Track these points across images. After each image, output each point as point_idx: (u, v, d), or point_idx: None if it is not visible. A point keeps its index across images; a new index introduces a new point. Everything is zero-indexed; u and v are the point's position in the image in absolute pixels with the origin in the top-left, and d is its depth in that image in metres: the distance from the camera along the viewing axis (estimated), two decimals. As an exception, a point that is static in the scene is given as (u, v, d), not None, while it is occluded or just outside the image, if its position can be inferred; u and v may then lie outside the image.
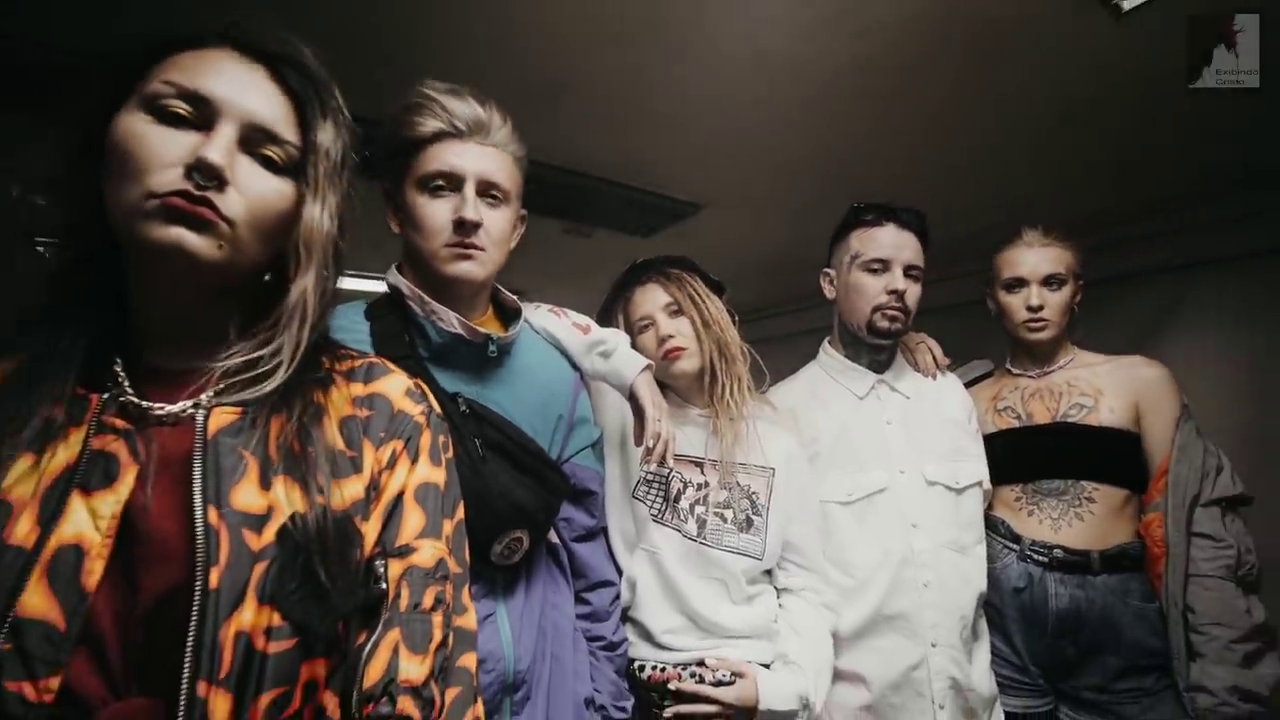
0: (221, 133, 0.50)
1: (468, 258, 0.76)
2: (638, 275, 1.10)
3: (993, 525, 1.29)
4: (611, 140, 1.59)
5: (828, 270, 1.25)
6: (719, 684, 0.92)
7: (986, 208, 1.93)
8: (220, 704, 0.43)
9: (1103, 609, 1.17)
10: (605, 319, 1.11)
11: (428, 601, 0.53)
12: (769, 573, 1.08)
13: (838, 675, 1.09)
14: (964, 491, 1.18)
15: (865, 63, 1.26)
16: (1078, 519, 1.22)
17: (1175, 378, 1.26)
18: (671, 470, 1.02)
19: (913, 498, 1.14)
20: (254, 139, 0.51)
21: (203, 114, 0.50)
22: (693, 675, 0.93)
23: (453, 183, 0.76)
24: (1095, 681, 1.18)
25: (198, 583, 0.44)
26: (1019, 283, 1.30)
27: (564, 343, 0.94)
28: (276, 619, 0.46)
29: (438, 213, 0.76)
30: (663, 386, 1.02)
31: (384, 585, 0.52)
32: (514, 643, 0.77)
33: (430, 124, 0.75)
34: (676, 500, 1.02)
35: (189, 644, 0.43)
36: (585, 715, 0.87)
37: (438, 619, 0.53)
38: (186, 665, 0.43)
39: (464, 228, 0.75)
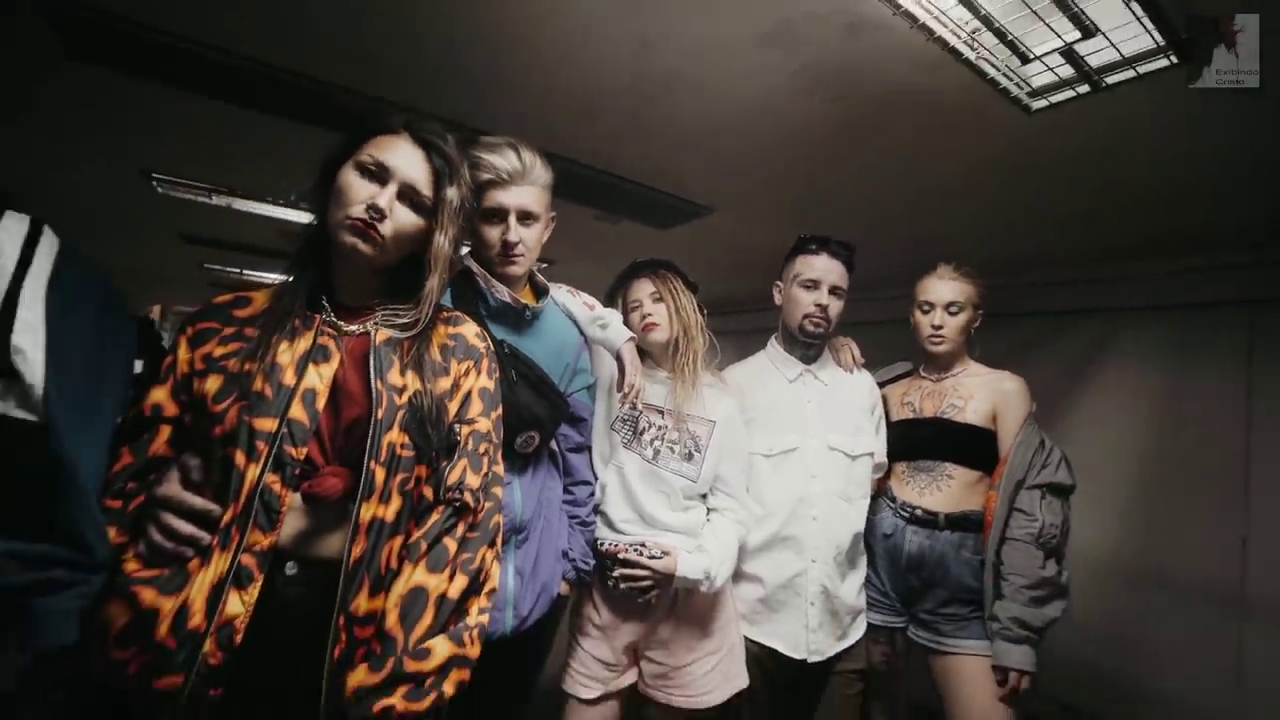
0: (389, 189, 0.91)
1: (512, 263, 1.19)
2: (635, 270, 1.52)
3: (883, 489, 1.71)
4: (638, 150, 1.97)
5: (778, 283, 1.65)
6: (652, 558, 1.36)
7: (929, 242, 2.30)
8: (379, 475, 0.87)
9: (940, 555, 1.59)
10: (610, 299, 1.53)
11: (481, 449, 0.97)
12: (704, 496, 1.51)
13: (743, 576, 1.54)
14: (857, 459, 1.60)
15: (840, 117, 1.63)
16: (938, 489, 1.63)
17: (1028, 390, 1.65)
18: (640, 412, 1.45)
19: (816, 458, 1.56)
20: (406, 192, 0.93)
21: (381, 175, 0.92)
22: (635, 550, 1.37)
23: (500, 214, 1.17)
24: (929, 607, 1.61)
25: (372, 416, 0.88)
26: (929, 305, 1.69)
27: (575, 315, 1.36)
28: (405, 439, 0.89)
29: (492, 235, 1.18)
30: (642, 354, 1.45)
31: (458, 437, 0.95)
32: (522, 503, 1.22)
33: (483, 175, 1.16)
34: (641, 434, 1.45)
35: (368, 444, 0.87)
36: (561, 562, 1.32)
37: (485, 459, 0.97)
38: (367, 454, 0.87)
39: (508, 246, 1.17)
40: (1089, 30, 1.23)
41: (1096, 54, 1.32)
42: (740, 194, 2.26)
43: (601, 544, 1.41)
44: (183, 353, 0.90)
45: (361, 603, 0.84)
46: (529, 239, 1.19)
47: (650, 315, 1.45)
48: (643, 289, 1.49)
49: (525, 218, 1.19)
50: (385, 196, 0.90)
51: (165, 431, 0.88)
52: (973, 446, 1.64)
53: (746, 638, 1.52)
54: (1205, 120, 1.52)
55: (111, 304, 0.84)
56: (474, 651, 0.90)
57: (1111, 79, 1.38)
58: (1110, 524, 2.44)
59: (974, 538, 1.60)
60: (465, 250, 1.26)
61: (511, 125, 1.71)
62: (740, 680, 1.47)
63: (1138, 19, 1.18)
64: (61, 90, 1.76)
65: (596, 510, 1.44)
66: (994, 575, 1.55)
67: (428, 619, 0.86)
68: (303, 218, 2.98)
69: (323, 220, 0.95)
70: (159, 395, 0.88)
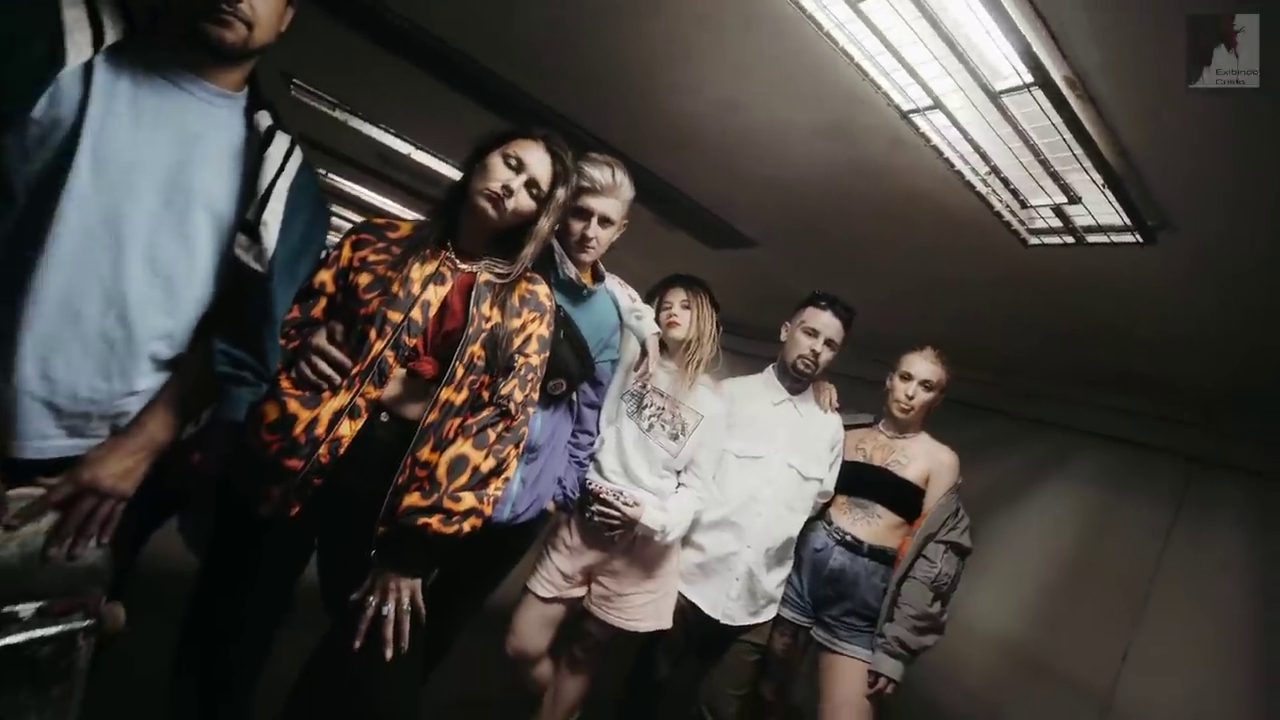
0: (521, 177, 1.27)
1: (584, 253, 1.54)
2: (675, 280, 1.87)
3: (822, 512, 2.05)
4: (709, 179, 2.31)
5: (787, 323, 2.00)
6: (625, 504, 1.71)
7: (925, 323, 2.62)
8: (459, 371, 1.21)
9: (856, 575, 1.92)
10: (649, 296, 1.88)
11: (529, 376, 1.31)
12: (678, 472, 1.86)
13: (690, 543, 1.89)
14: (807, 481, 1.94)
15: (875, 202, 1.96)
16: (868, 524, 1.96)
17: (958, 466, 1.98)
18: (647, 391, 1.80)
19: (774, 470, 1.90)
20: (530, 183, 1.28)
21: (518, 167, 1.27)
22: (615, 495, 1.72)
23: (586, 214, 1.52)
24: (835, 614, 1.94)
25: (465, 330, 1.24)
26: (909, 376, 2.02)
27: (619, 302, 1.71)
28: (481, 353, 1.24)
29: (575, 227, 1.52)
30: (663, 345, 1.80)
31: (515, 363, 1.31)
32: (540, 430, 1.57)
33: (583, 181, 1.49)
34: (643, 409, 1.80)
35: (457, 349, 1.22)
36: (555, 485, 1.67)
37: (530, 384, 1.31)
38: (455, 355, 1.22)
39: (585, 240, 1.52)
40: (1074, 198, 1.56)
41: (1081, 217, 1.64)
42: (782, 238, 2.61)
43: (590, 484, 1.75)
44: (346, 251, 1.26)
45: (424, 453, 1.20)
46: (602, 238, 1.54)
47: (675, 316, 1.81)
48: (676, 295, 1.84)
49: (604, 221, 1.53)
50: (517, 182, 1.25)
51: (324, 302, 1.24)
52: (905, 498, 1.97)
53: (679, 593, 1.87)
54: (1173, 290, 1.84)
55: (320, 204, 1.19)
56: (487, 510, 1.25)
57: (1091, 239, 1.70)
58: (1016, 609, 2.76)
59: (884, 569, 1.94)
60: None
61: (623, 135, 2.07)
62: (665, 621, 1.82)
63: (1109, 201, 1.50)
64: None
65: (592, 457, 1.79)
66: (891, 602, 1.88)
67: (464, 478, 1.22)
68: (401, 146, 3.40)
69: (463, 187, 1.32)
70: (324, 276, 1.25)
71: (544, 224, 1.31)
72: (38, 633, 0.94)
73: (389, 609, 1.17)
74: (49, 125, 0.84)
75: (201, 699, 1.30)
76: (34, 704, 0.97)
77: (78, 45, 0.84)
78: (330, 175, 5.08)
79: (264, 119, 1.04)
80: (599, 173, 1.50)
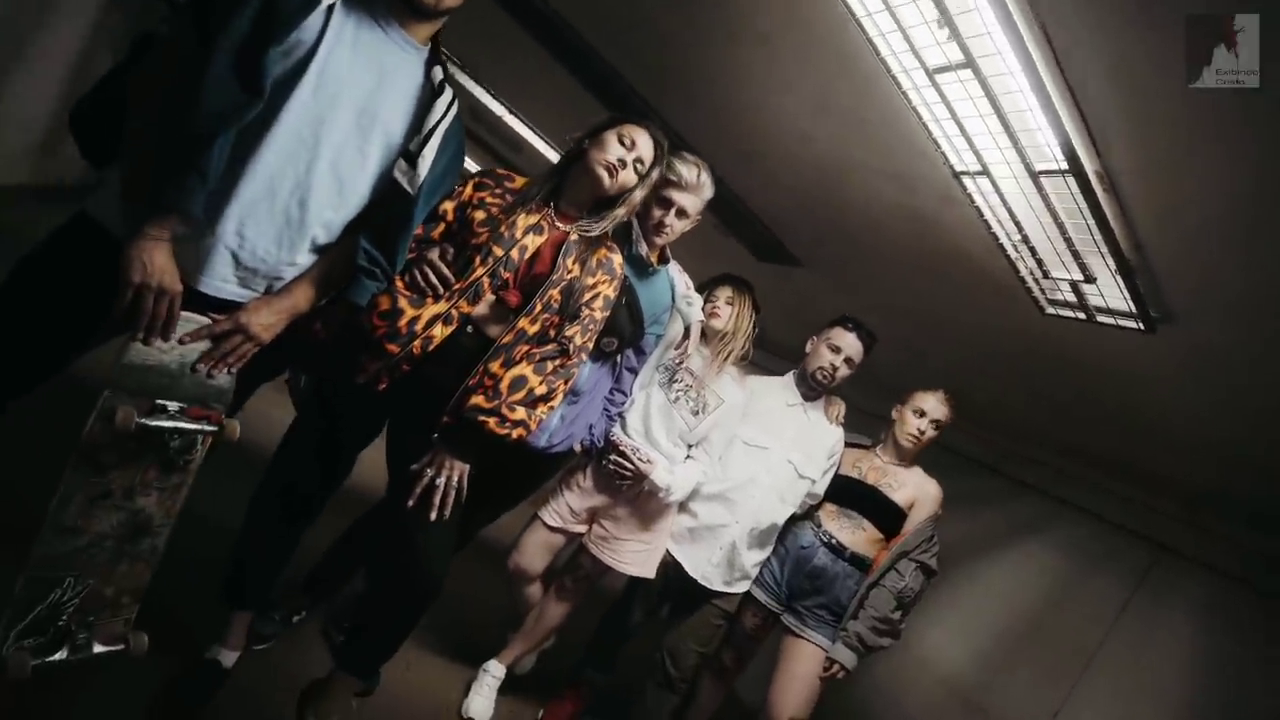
0: (630, 153, 1.50)
1: (659, 236, 1.77)
2: (725, 279, 2.10)
3: (811, 515, 2.26)
4: (771, 195, 2.55)
5: (813, 337, 2.21)
6: (640, 460, 1.94)
7: (941, 373, 2.81)
8: (538, 306, 1.44)
9: (834, 575, 2.13)
10: (702, 288, 2.11)
11: (590, 325, 1.54)
12: (690, 446, 2.09)
13: (686, 509, 2.11)
14: (801, 478, 2.15)
15: (918, 248, 2.17)
16: (852, 533, 2.17)
17: (942, 498, 2.19)
18: (681, 369, 2.03)
19: (774, 461, 2.12)
20: (638, 160, 1.52)
21: (630, 146, 1.50)
22: (632, 450, 1.95)
23: (668, 204, 1.74)
24: (806, 604, 2.16)
25: (550, 276, 1.47)
26: (921, 412, 2.22)
27: (676, 286, 1.94)
28: (558, 297, 1.47)
29: (656, 213, 1.74)
30: (703, 332, 2.02)
31: (583, 313, 1.54)
32: (587, 377, 1.81)
33: (670, 175, 1.72)
34: (674, 382, 2.03)
35: (540, 290, 1.45)
36: (586, 431, 1.91)
37: (590, 332, 1.54)
38: (538, 294, 1.45)
39: (661, 225, 1.74)
40: (1090, 278, 1.76)
41: (1094, 297, 1.84)
42: (825, 263, 2.82)
43: (613, 436, 1.99)
44: (469, 190, 1.51)
45: (495, 366, 1.44)
46: (676, 227, 1.77)
47: (718, 309, 2.03)
48: (723, 292, 2.07)
49: (681, 214, 1.76)
50: (630, 157, 1.48)
51: (443, 227, 1.49)
52: (889, 517, 2.18)
53: (668, 550, 2.10)
54: (1167, 381, 2.02)
55: (460, 150, 1.43)
56: (532, 426, 1.49)
57: (1100, 319, 1.89)
58: (968, 651, 2.95)
59: (860, 574, 2.15)
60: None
61: (701, 136, 2.30)
62: (650, 572, 2.05)
63: (1119, 287, 1.70)
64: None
65: (621, 415, 2.03)
66: (858, 603, 2.10)
67: (520, 395, 1.45)
68: (495, 107, 3.65)
69: (575, 156, 1.55)
70: (447, 206, 1.49)
71: (637, 194, 1.54)
72: (179, 424, 1.19)
73: (441, 481, 1.41)
74: (293, 45, 1.09)
75: (268, 529, 1.57)
76: (157, 484, 1.23)
77: None
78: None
79: (438, 73, 1.29)
80: (687, 170, 1.72)
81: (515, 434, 1.45)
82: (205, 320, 1.19)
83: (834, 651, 2.06)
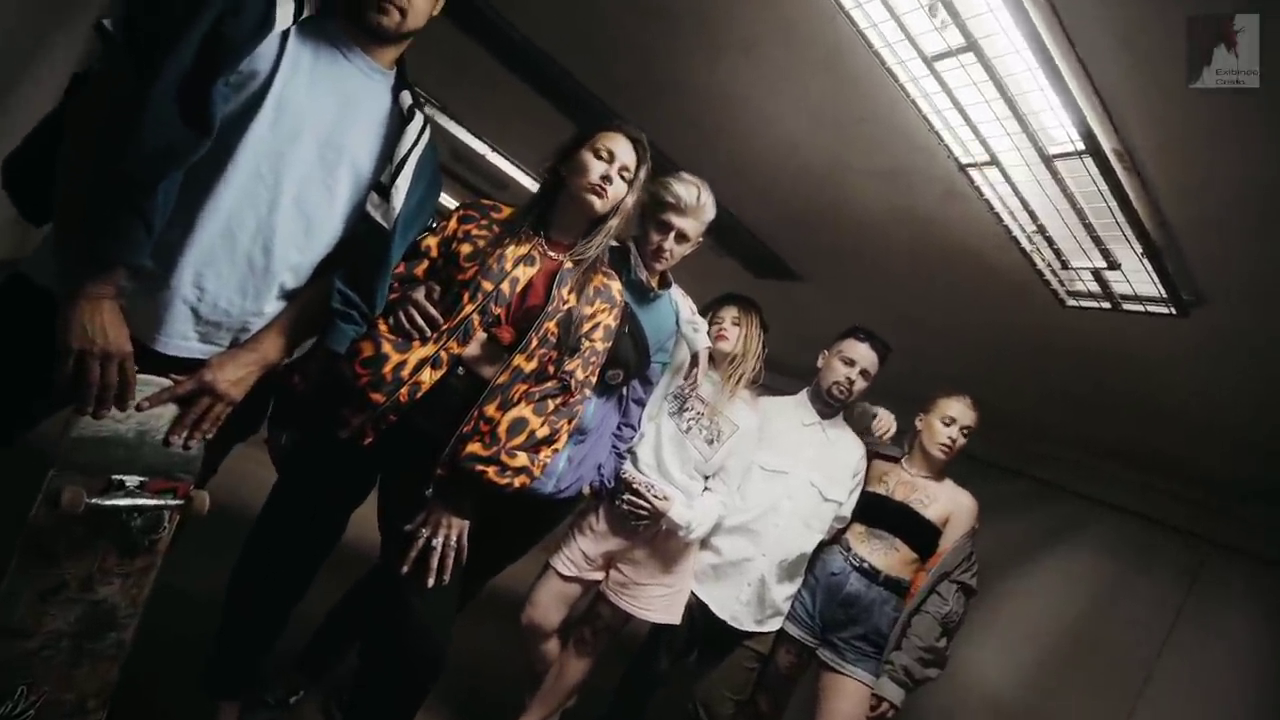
0: (613, 166, 1.40)
1: (658, 262, 1.67)
2: (730, 298, 1.99)
3: (839, 539, 2.12)
4: (765, 208, 2.46)
5: (825, 351, 2.10)
6: (655, 497, 1.81)
7: (956, 379, 2.69)
8: (534, 341, 1.34)
9: (869, 602, 1.99)
10: (705, 310, 2.00)
11: (591, 358, 1.44)
12: (707, 477, 1.96)
13: (708, 545, 1.97)
14: (826, 501, 2.02)
15: (921, 252, 2.09)
16: (884, 555, 2.03)
17: (977, 511, 2.05)
18: (691, 396, 1.91)
19: (796, 485, 1.99)
20: (622, 170, 1.42)
21: (609, 158, 1.41)
22: (646, 487, 1.82)
23: (666, 229, 1.65)
24: (844, 636, 2.00)
25: (545, 307, 1.37)
26: (951, 420, 2.10)
27: (680, 311, 1.84)
28: (555, 330, 1.37)
29: (654, 238, 1.65)
30: (710, 357, 1.91)
31: (581, 345, 1.43)
32: (592, 415, 1.69)
33: (668, 198, 1.64)
34: (684, 411, 1.91)
35: (535, 323, 1.35)
36: (594, 472, 1.78)
37: (592, 365, 1.44)
38: (533, 327, 1.35)
39: (660, 251, 1.65)
40: (1114, 264, 1.66)
41: (1120, 284, 1.74)
42: (826, 276, 2.73)
43: (624, 473, 1.86)
44: (453, 224, 1.42)
45: (490, 409, 1.33)
46: (676, 252, 1.67)
47: (725, 331, 1.92)
48: (729, 312, 1.96)
49: (681, 238, 1.66)
50: (612, 171, 1.40)
51: (426, 263, 1.39)
52: (923, 536, 2.04)
53: (692, 591, 1.95)
54: (1203, 367, 1.91)
55: (437, 178, 1.33)
56: (536, 472, 1.37)
57: (1127, 307, 1.79)
58: (1015, 671, 2.77)
59: (897, 599, 2.00)
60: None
61: (686, 154, 2.22)
62: (675, 617, 1.90)
63: (1147, 271, 1.60)
64: None
65: (630, 450, 1.90)
66: (901, 632, 1.94)
67: (521, 439, 1.34)
68: (479, 147, 3.60)
69: (554, 181, 1.47)
70: (431, 241, 1.40)
71: (629, 200, 1.44)
72: (138, 501, 1.06)
73: (438, 541, 1.28)
74: (247, 76, 1.00)
75: (252, 608, 1.42)
76: (119, 571, 1.10)
77: (283, 15, 1.00)
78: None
79: (406, 98, 1.20)
80: (685, 191, 1.63)
81: (518, 482, 1.33)
82: (165, 382, 1.08)
83: (880, 688, 1.91)
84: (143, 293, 1.02)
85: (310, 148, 1.09)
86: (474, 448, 1.30)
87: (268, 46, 1.01)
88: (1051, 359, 2.28)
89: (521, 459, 1.33)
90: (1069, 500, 2.90)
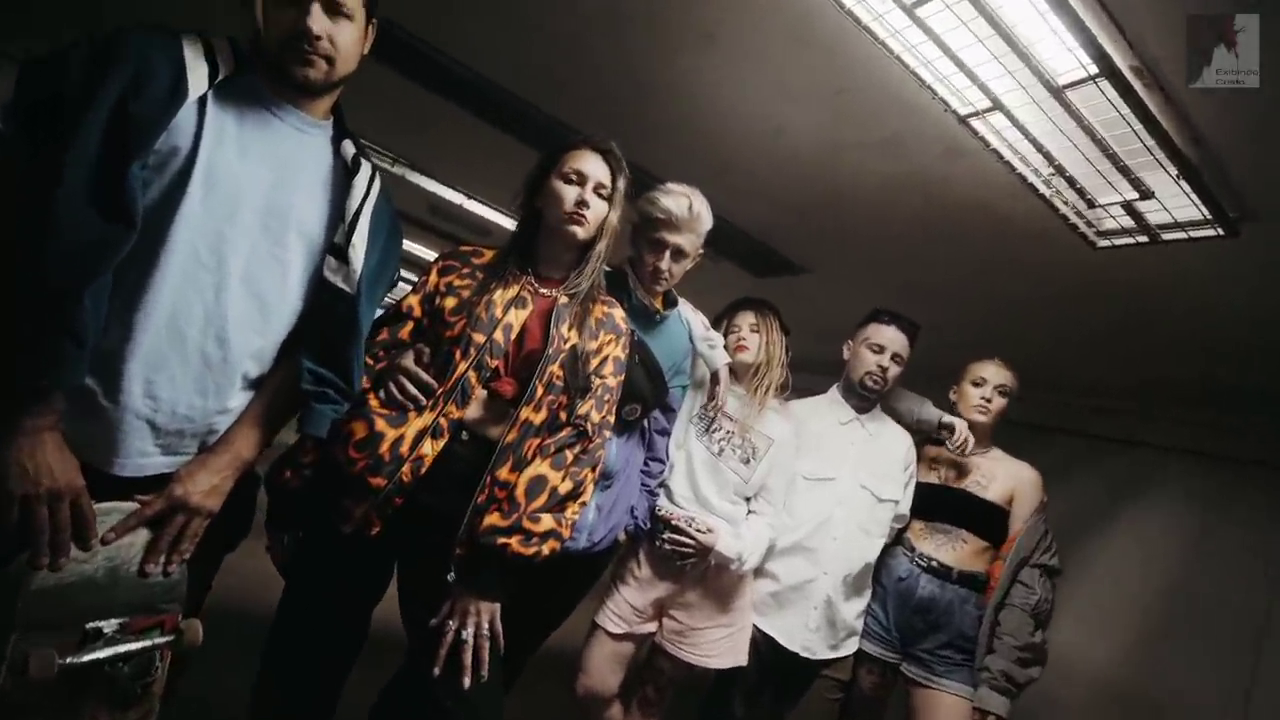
0: (586, 187, 1.29)
1: (658, 284, 1.55)
2: (745, 303, 1.85)
3: (900, 539, 1.95)
4: (754, 205, 2.33)
5: (849, 342, 1.96)
6: (698, 531, 1.65)
7: (988, 344, 2.54)
8: (539, 390, 1.22)
9: (949, 603, 1.81)
10: (717, 320, 1.87)
11: (605, 397, 1.31)
12: (749, 499, 1.80)
13: (762, 572, 1.80)
14: (882, 502, 1.85)
15: (930, 217, 1.95)
16: (952, 549, 1.86)
17: (1042, 483, 1.88)
18: (718, 415, 1.77)
19: (846, 490, 1.83)
20: (598, 188, 1.30)
21: (580, 180, 1.29)
22: (686, 521, 1.67)
23: (661, 247, 1.52)
24: (928, 647, 1.82)
25: (545, 351, 1.24)
26: (982, 381, 1.95)
27: (693, 328, 1.70)
28: (560, 373, 1.25)
29: (649, 259, 1.53)
30: (731, 370, 1.77)
31: (592, 384, 1.30)
32: (615, 456, 1.54)
33: (657, 214, 1.52)
34: (713, 432, 1.76)
35: (538, 369, 1.23)
36: (627, 515, 1.63)
37: (606, 405, 1.31)
38: (535, 375, 1.22)
39: (658, 271, 1.52)
40: (1146, 193, 1.52)
41: (1155, 213, 1.59)
42: (832, 264, 2.59)
43: (659, 509, 1.71)
44: (433, 277, 1.30)
45: (503, 472, 1.19)
46: (676, 270, 1.55)
47: (744, 340, 1.78)
48: (746, 319, 1.82)
49: (678, 254, 1.54)
50: (587, 194, 1.28)
51: (410, 325, 1.28)
52: (989, 521, 1.87)
53: (754, 625, 1.78)
54: (1261, 287, 1.75)
55: (395, 229, 1.22)
56: (565, 534, 1.23)
57: (1167, 236, 1.64)
58: (1117, 652, 2.55)
59: (976, 595, 1.82)
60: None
61: (666, 163, 2.10)
62: (741, 657, 1.73)
63: (1186, 193, 1.46)
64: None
65: (662, 485, 1.75)
66: (989, 633, 1.76)
67: (543, 499, 1.20)
68: (454, 198, 3.52)
69: (530, 216, 1.35)
70: (412, 301, 1.29)
71: (613, 217, 1.33)
72: (121, 649, 0.92)
73: (468, 634, 1.14)
74: (167, 154, 0.89)
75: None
76: (114, 729, 0.96)
77: (197, 80, 0.90)
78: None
79: (349, 147, 1.09)
80: (675, 204, 1.50)
81: (546, 549, 1.19)
82: (131, 505, 0.95)
83: (981, 700, 1.72)
84: (87, 413, 0.90)
85: (251, 220, 0.97)
86: (493, 519, 1.16)
87: (185, 117, 0.90)
88: (1090, 306, 2.12)
89: (547, 522, 1.19)
90: (1132, 453, 2.71)
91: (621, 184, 1.34)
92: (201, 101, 0.92)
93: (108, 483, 0.93)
